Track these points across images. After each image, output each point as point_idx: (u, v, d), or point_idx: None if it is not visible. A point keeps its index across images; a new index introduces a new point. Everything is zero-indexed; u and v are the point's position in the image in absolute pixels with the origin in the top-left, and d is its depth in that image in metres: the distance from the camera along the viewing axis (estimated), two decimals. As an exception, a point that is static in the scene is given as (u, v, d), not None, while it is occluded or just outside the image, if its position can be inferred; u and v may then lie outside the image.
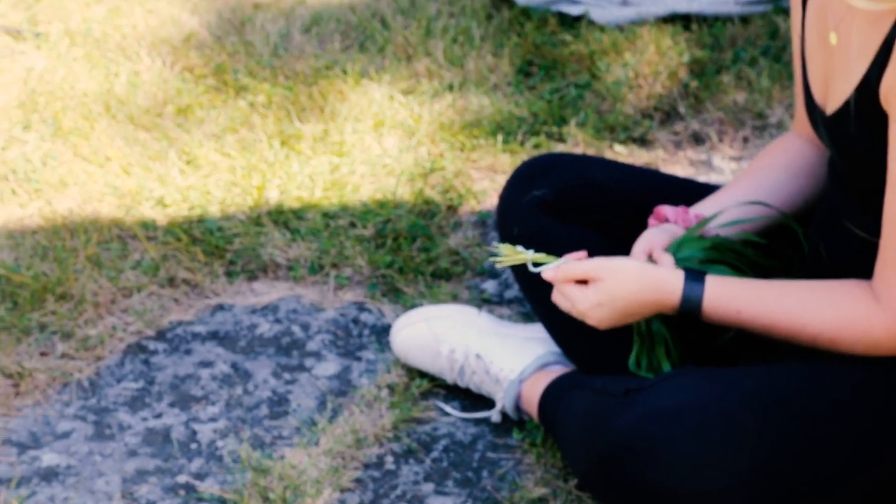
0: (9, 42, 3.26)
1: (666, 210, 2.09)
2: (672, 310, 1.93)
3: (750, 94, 3.03)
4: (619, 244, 2.12)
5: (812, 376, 1.87)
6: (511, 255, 2.00)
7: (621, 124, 2.97)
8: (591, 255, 2.02)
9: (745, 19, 3.25)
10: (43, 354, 2.42)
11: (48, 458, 2.23)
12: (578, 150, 2.89)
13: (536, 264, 2.00)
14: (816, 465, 1.81)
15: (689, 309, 1.92)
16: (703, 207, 2.10)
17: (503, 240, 2.23)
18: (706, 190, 2.24)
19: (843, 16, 1.84)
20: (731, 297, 1.91)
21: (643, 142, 2.95)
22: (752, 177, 2.11)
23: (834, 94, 1.88)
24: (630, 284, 1.94)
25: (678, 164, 2.91)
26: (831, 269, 1.96)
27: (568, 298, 1.97)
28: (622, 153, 2.91)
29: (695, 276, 1.92)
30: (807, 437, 1.82)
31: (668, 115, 3.03)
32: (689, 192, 2.22)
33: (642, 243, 2.04)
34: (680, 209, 2.09)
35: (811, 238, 2.05)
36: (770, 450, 1.81)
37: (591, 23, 3.26)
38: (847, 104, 1.83)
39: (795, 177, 2.10)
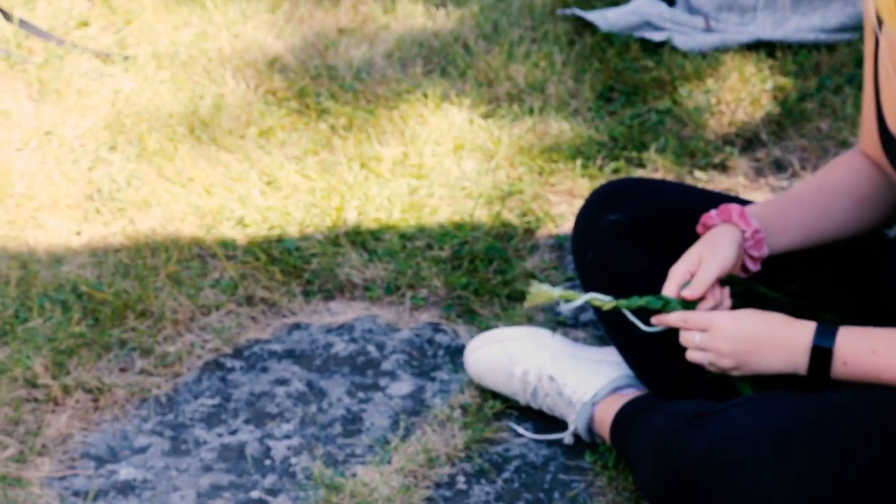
0: (98, 65, 3.32)
1: (712, 214, 2.05)
2: (803, 349, 1.89)
3: (834, 122, 3.00)
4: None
5: (886, 401, 1.84)
6: (538, 294, 2.01)
7: (702, 150, 2.95)
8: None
9: (830, 47, 3.23)
10: (122, 370, 2.45)
11: (125, 472, 2.26)
12: (658, 176, 2.88)
13: (647, 322, 2.00)
14: (888, 490, 1.78)
15: (822, 344, 1.88)
16: (761, 215, 2.06)
17: (578, 263, 2.23)
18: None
19: None
20: (865, 334, 1.87)
21: (724, 168, 2.93)
22: (817, 197, 2.07)
23: None
24: (759, 318, 1.93)
25: (759, 191, 2.88)
26: None
27: (704, 335, 1.96)
28: (702, 179, 2.89)
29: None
30: (882, 463, 1.80)
31: (750, 142, 3.01)
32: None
33: (686, 263, 2.01)
34: (734, 208, 2.05)
35: (885, 281, 2.01)
36: (843, 477, 1.78)
37: (674, 49, 3.25)
38: None
39: (858, 204, 2.07)
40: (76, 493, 2.20)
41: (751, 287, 2.08)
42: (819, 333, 1.88)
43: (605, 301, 2.01)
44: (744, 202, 2.22)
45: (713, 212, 2.05)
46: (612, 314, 2.10)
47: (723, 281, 2.03)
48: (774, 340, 1.91)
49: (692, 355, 1.98)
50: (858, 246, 2.11)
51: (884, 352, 1.85)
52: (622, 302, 2.01)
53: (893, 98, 1.90)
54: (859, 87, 3.09)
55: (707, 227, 2.06)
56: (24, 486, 2.20)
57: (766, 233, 2.04)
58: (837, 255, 2.11)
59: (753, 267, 2.05)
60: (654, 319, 2.01)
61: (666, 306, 2.00)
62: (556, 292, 2.00)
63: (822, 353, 1.88)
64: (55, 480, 2.23)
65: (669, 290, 1.99)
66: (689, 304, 2.01)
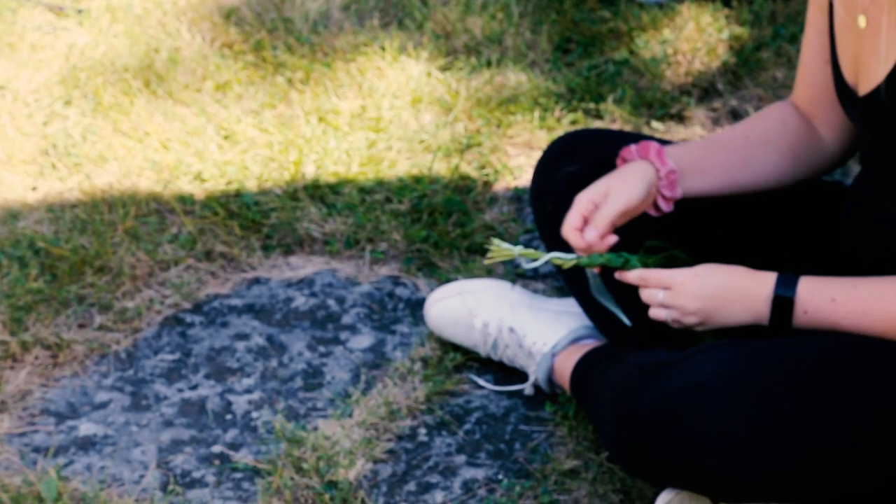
0: (51, 19, 3.29)
1: (631, 149, 2.04)
2: (764, 300, 1.90)
3: (789, 71, 3.01)
4: (652, 220, 2.11)
5: (836, 346, 1.86)
6: (499, 251, 2.00)
7: (659, 101, 2.96)
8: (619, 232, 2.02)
9: (785, -4, 3.24)
10: (81, 326, 2.44)
11: (86, 427, 2.25)
12: (616, 127, 2.89)
13: (605, 266, 2.01)
14: (843, 435, 1.80)
15: (783, 293, 1.89)
16: (681, 156, 2.04)
17: (537, 215, 2.23)
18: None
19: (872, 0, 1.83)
20: (824, 283, 1.88)
21: (681, 118, 2.94)
22: (742, 145, 2.07)
23: (866, 75, 1.87)
24: (720, 273, 1.93)
25: (716, 141, 2.89)
26: (870, 260, 1.94)
27: (667, 293, 1.96)
28: (659, 130, 2.90)
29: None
30: (833, 406, 1.81)
31: (707, 92, 3.02)
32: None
33: (591, 193, 1.98)
34: (652, 146, 2.03)
35: (840, 229, 2.02)
36: (796, 422, 1.80)
37: (630, 0, 3.25)
38: (879, 87, 1.82)
39: (782, 156, 2.07)
40: (36, 450, 2.20)
41: (672, 253, 2.08)
42: (780, 283, 1.89)
43: (566, 259, 2.01)
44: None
45: (633, 146, 2.04)
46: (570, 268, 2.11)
47: (646, 248, 2.04)
48: (737, 294, 1.92)
49: (655, 312, 1.98)
50: (808, 194, 2.12)
51: (842, 300, 1.86)
52: (583, 260, 2.01)
53: (849, 49, 1.91)
54: (815, 37, 3.10)
55: (624, 161, 2.05)
56: (-15, 444, 2.19)
57: (684, 175, 2.03)
58: (787, 202, 2.12)
59: (666, 207, 2.03)
60: (616, 276, 2.02)
61: (626, 264, 2.00)
62: (517, 250, 2.00)
63: (783, 302, 1.89)
64: (14, 437, 2.22)
65: (571, 219, 1.98)
66: (649, 262, 2.02)
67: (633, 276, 1.99)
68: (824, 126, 2.07)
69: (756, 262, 1.98)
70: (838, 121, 2.05)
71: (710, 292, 1.93)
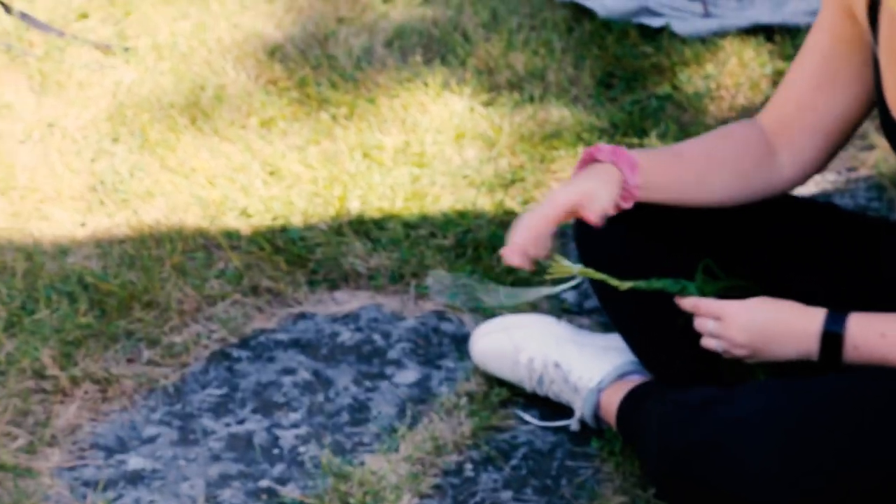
0: (98, 57, 3.33)
1: (603, 150, 2.01)
2: (814, 336, 1.90)
3: (832, 106, 3.01)
4: (697, 256, 2.11)
5: (877, 382, 1.86)
6: (560, 268, 2.02)
7: (702, 135, 2.96)
8: (664, 268, 2.03)
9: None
10: (130, 361, 2.46)
11: (134, 461, 2.27)
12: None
13: (670, 291, 2.03)
14: (884, 473, 1.80)
15: (833, 329, 1.89)
16: (649, 171, 2.01)
17: (581, 251, 2.24)
18: (783, 201, 2.22)
19: None
20: (874, 319, 1.89)
21: (724, 153, 2.94)
22: (703, 163, 2.06)
23: None
24: (770, 307, 1.94)
25: (759, 176, 2.89)
26: None
27: (717, 323, 1.97)
28: (703, 164, 2.90)
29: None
30: (874, 445, 1.81)
31: (750, 127, 3.02)
32: (767, 202, 2.21)
33: (577, 194, 1.96)
34: (625, 158, 2.00)
35: (882, 263, 2.03)
36: (836, 459, 1.80)
37: (673, 35, 3.26)
38: None
39: (738, 178, 2.06)
40: (86, 484, 2.21)
41: (732, 282, 2.09)
42: (830, 320, 1.90)
43: (623, 282, 2.03)
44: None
45: (604, 146, 2.01)
46: (616, 300, 2.12)
47: (704, 268, 2.04)
48: (786, 329, 1.93)
49: (706, 342, 1.99)
50: (853, 229, 2.12)
51: (892, 335, 1.86)
52: (640, 283, 2.03)
53: (894, 81, 1.91)
54: (858, 71, 3.10)
55: (593, 159, 2.01)
56: (35, 477, 2.21)
57: (645, 188, 2.01)
58: (833, 236, 2.12)
59: (610, 212, 2.02)
60: (675, 300, 2.03)
61: (683, 290, 2.02)
62: (577, 269, 2.03)
63: (832, 338, 1.90)
64: (65, 471, 2.24)
65: (553, 217, 1.97)
66: (706, 289, 2.03)
67: (687, 303, 2.01)
68: (787, 149, 2.07)
69: (802, 295, 1.98)
70: (804, 146, 2.06)
71: (759, 327, 1.94)
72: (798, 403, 1.85)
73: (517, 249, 1.98)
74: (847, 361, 1.90)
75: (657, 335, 2.15)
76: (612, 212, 2.00)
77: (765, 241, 2.12)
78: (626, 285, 2.03)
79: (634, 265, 2.10)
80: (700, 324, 2.00)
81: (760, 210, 2.12)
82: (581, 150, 2.91)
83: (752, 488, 1.82)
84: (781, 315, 1.94)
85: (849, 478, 1.81)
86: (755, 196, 2.09)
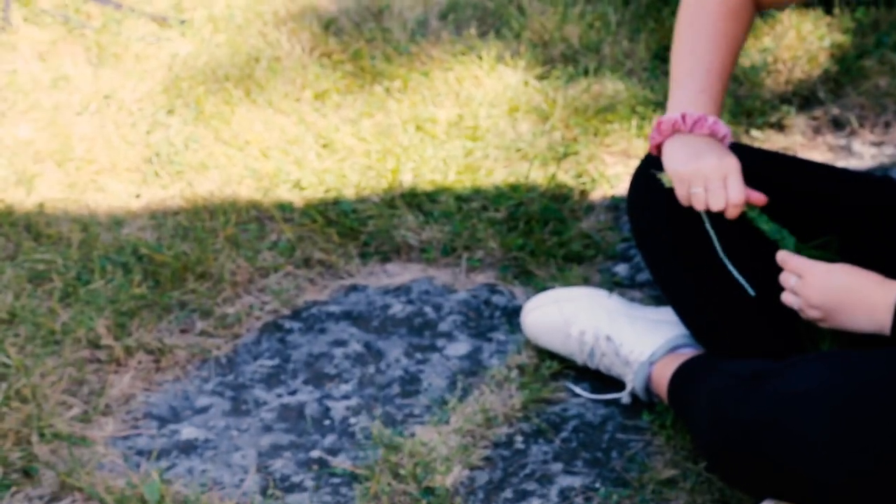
0: (155, 29, 3.34)
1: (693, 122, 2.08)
2: (887, 308, 1.89)
3: (893, 79, 2.98)
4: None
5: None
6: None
7: (758, 109, 2.94)
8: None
9: (889, 3, 3.20)
10: (183, 331, 2.48)
11: (187, 431, 2.29)
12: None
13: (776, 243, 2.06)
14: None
15: None
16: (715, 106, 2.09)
17: (634, 225, 2.23)
18: (844, 175, 2.21)
19: None
20: None
21: (780, 127, 2.92)
22: (733, 63, 2.12)
23: None
24: (850, 274, 1.94)
25: (816, 150, 2.87)
26: None
27: (799, 280, 1.99)
28: (759, 138, 2.88)
29: None
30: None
31: (807, 101, 3.00)
32: (827, 176, 2.19)
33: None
34: (706, 123, 2.08)
35: None
36: (892, 435, 1.78)
37: (730, 7, 3.23)
38: None
39: (748, 25, 2.15)
40: (139, 453, 2.24)
41: (829, 244, 2.10)
42: None
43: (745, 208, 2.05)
44: (802, 161, 2.21)
45: (692, 118, 2.08)
46: (672, 273, 2.13)
47: (798, 251, 2.06)
48: (862, 298, 1.92)
49: (786, 297, 2.02)
50: None
51: None
52: (751, 213, 2.06)
53: None
54: (918, 44, 3.07)
55: (675, 131, 2.09)
56: (89, 446, 2.24)
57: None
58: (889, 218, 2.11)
59: None
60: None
61: (782, 241, 2.06)
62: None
63: None
64: (119, 440, 2.26)
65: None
66: (802, 248, 2.05)
67: (779, 255, 2.02)
68: None
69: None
70: None
71: (835, 291, 1.94)
72: (852, 379, 1.83)
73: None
74: None
75: (708, 308, 2.13)
76: None
77: (828, 210, 2.11)
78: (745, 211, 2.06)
79: (686, 242, 2.11)
80: (784, 278, 2.01)
81: (825, 183, 2.13)
82: (635, 122, 2.90)
83: (806, 463, 1.81)
84: (860, 282, 1.93)
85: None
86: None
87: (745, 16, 2.13)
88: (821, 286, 1.96)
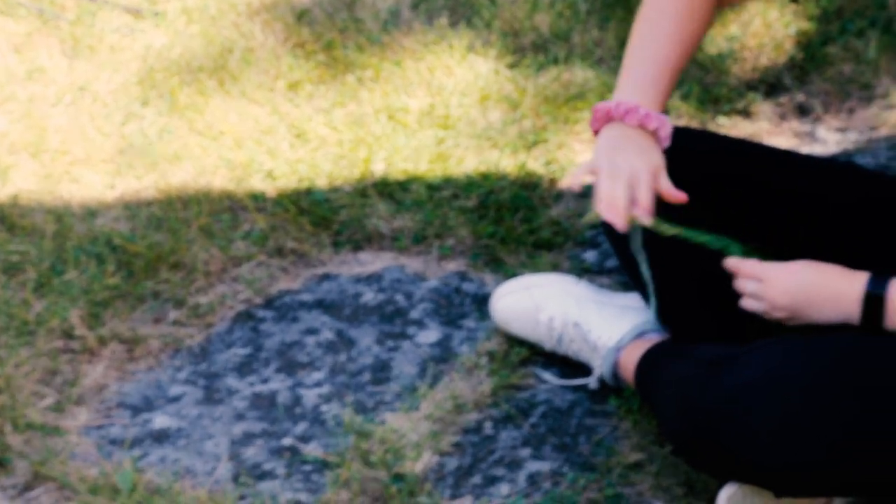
0: (129, 21, 3.36)
1: (624, 111, 2.02)
2: (856, 299, 1.89)
3: (857, 66, 3.01)
4: (722, 219, 2.12)
5: (887, 341, 1.86)
6: (598, 214, 2.03)
7: (725, 96, 2.97)
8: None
9: (855, -10, 3.23)
10: (156, 321, 2.50)
11: (160, 420, 2.31)
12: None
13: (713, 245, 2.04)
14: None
15: (875, 291, 1.89)
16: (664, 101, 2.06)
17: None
18: (808, 162, 2.23)
19: None
20: None
21: (747, 114, 2.95)
22: (685, 62, 2.09)
23: None
24: (813, 271, 1.94)
25: (782, 136, 2.90)
26: None
27: (759, 285, 1.97)
28: (725, 125, 2.91)
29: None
30: (884, 401, 1.81)
31: (773, 88, 3.03)
32: (790, 163, 2.21)
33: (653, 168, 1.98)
34: (664, 124, 2.03)
35: None
36: (844, 421, 1.80)
37: (699, -5, 3.25)
38: None
39: (705, 23, 2.13)
40: (113, 442, 2.26)
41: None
42: (872, 282, 1.88)
43: (668, 228, 2.00)
44: (767, 149, 2.22)
45: (624, 107, 2.01)
46: (634, 263, 2.14)
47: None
48: (828, 292, 1.91)
49: (746, 303, 2.00)
50: (872, 191, 2.12)
51: None
52: (687, 232, 2.01)
53: None
54: (883, 30, 3.10)
55: (610, 119, 2.03)
56: (62, 435, 2.26)
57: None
58: (852, 204, 2.12)
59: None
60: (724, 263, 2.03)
61: (726, 248, 2.02)
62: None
63: (874, 301, 1.88)
64: (92, 429, 2.29)
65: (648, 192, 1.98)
66: (749, 250, 2.02)
67: (729, 263, 2.01)
68: None
69: (826, 255, 1.98)
70: None
71: (802, 289, 1.93)
72: (807, 368, 1.84)
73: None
74: (889, 326, 1.89)
75: (672, 293, 2.16)
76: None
77: (788, 202, 2.12)
78: (671, 231, 2.01)
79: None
80: (741, 285, 2.00)
81: (786, 172, 2.13)
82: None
83: (762, 451, 1.83)
84: (824, 278, 1.93)
85: (861, 437, 1.80)
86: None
87: (703, 14, 2.12)
88: (785, 287, 1.95)
